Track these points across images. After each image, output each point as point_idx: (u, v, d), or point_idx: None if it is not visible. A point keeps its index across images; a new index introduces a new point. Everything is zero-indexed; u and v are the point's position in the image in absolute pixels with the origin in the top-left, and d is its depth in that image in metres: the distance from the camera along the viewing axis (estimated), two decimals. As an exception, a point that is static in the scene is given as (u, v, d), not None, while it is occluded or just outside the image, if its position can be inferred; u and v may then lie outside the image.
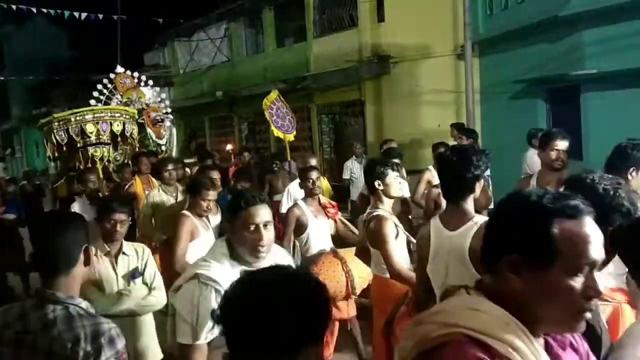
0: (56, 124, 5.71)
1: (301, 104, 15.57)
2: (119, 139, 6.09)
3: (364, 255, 4.12)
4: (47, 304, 1.94)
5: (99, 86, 6.09)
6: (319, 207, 4.94)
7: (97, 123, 5.78)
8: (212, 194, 4.57)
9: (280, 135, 7.62)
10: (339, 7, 14.20)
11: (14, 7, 10.61)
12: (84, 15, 12.12)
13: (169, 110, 7.91)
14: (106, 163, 6.08)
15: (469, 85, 10.75)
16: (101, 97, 6.25)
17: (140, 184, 6.88)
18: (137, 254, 3.75)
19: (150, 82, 6.29)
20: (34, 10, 10.97)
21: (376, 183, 3.70)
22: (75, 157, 5.97)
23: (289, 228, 4.86)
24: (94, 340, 1.89)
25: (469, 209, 2.88)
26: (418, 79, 12.27)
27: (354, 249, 4.52)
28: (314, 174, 5.00)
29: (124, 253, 3.70)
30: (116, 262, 3.65)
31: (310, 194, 4.96)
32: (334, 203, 5.10)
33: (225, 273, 2.30)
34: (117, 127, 5.93)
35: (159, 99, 6.94)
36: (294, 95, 15.12)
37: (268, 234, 2.41)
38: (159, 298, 3.66)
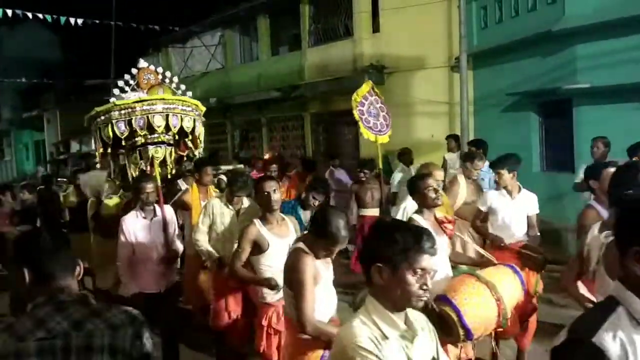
0: (117, 112, 4.65)
1: (295, 112, 15.64)
2: (190, 137, 5.07)
3: (572, 286, 3.34)
4: (68, 305, 1.98)
5: (120, 82, 5.02)
6: (436, 223, 4.13)
7: (167, 116, 4.73)
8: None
9: (371, 137, 6.41)
10: (334, 17, 14.31)
11: (9, 11, 10.60)
12: (80, 21, 12.15)
13: None
14: (167, 167, 5.07)
15: (464, 97, 10.85)
16: (123, 95, 5.13)
17: (197, 194, 6.13)
18: (427, 325, 2.21)
19: (175, 79, 5.15)
20: (30, 15, 10.98)
21: None
22: (129, 157, 4.96)
23: None
24: (131, 324, 2.05)
25: None
26: (412, 90, 12.37)
27: (493, 269, 3.89)
28: (434, 182, 4.18)
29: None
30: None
31: (431, 204, 4.08)
32: (450, 218, 4.31)
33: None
34: (189, 124, 4.88)
35: None
36: (287, 103, 15.21)
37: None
38: None
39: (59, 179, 17.32)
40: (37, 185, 8.77)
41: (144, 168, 4.94)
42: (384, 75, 12.84)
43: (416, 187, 4.12)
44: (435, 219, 4.12)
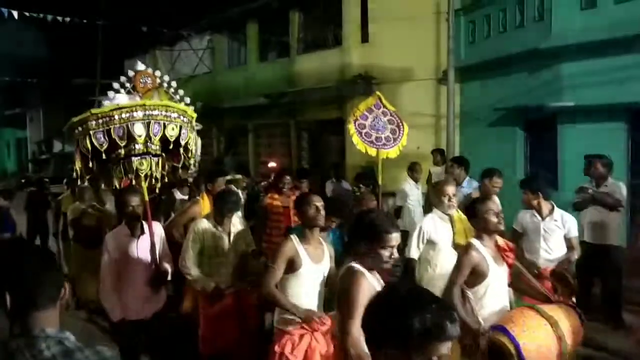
0: (93, 122, 4.16)
1: (282, 119, 15.63)
2: (171, 147, 4.52)
3: None
4: (39, 342, 1.84)
5: (115, 85, 4.53)
6: (496, 250, 3.76)
7: (149, 124, 4.23)
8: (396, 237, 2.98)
9: (371, 151, 6.13)
10: (323, 26, 14.35)
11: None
12: (67, 19, 12.02)
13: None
14: (153, 181, 4.50)
15: (450, 111, 10.90)
16: (117, 96, 4.58)
17: (209, 205, 5.71)
18: None
19: (174, 84, 4.70)
20: (15, 14, 10.83)
21: None
22: (113, 171, 4.44)
23: (459, 275, 3.67)
24: None
25: None
26: (399, 101, 12.38)
27: (554, 305, 3.62)
28: (494, 205, 3.78)
29: None
30: None
31: (492, 229, 3.75)
32: (511, 245, 3.90)
33: None
34: (173, 132, 4.35)
35: (183, 103, 4.99)
36: (274, 110, 15.20)
37: None
38: None
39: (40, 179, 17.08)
40: (12, 190, 8.28)
41: (130, 182, 4.48)
42: (372, 85, 12.87)
43: (476, 211, 3.76)
44: (496, 245, 3.77)
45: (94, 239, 6.54)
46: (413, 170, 8.49)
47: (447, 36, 10.91)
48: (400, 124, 6.55)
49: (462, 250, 3.77)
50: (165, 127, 4.30)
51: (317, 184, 11.81)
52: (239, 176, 8.46)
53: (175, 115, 4.41)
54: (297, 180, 7.72)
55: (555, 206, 5.11)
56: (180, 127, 4.45)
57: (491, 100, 10.60)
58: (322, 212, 3.82)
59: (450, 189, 4.82)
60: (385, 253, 2.90)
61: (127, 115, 4.18)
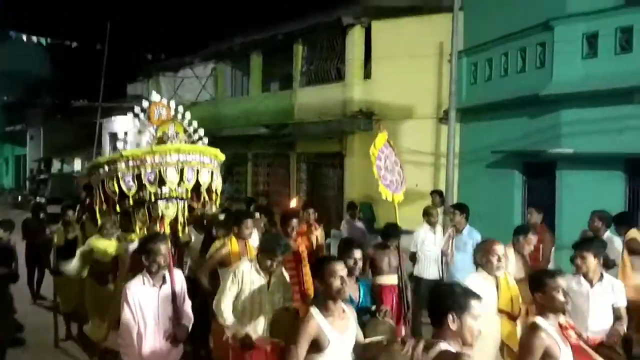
0: (123, 164, 4.02)
1: (281, 151, 15.68)
2: (202, 193, 4.34)
3: None
4: None
5: (129, 115, 4.42)
6: (560, 329, 3.39)
7: (182, 169, 4.10)
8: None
9: (389, 196, 5.75)
10: (326, 60, 14.51)
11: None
12: (74, 44, 12.18)
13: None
14: (179, 227, 4.32)
15: (451, 152, 10.95)
16: (136, 122, 4.39)
17: (237, 248, 5.44)
18: None
19: (188, 116, 4.52)
20: (24, 37, 10.96)
21: None
22: (134, 213, 4.22)
23: None
24: None
25: None
26: (399, 138, 12.45)
27: None
28: (564, 282, 3.45)
29: None
30: None
31: (559, 308, 3.39)
32: (572, 323, 3.56)
33: None
34: (206, 178, 4.23)
35: (197, 137, 4.64)
36: (274, 141, 15.26)
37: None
38: None
39: (37, 199, 17.06)
40: (12, 220, 7.92)
41: (153, 227, 4.22)
42: (372, 121, 12.96)
43: (543, 285, 3.42)
44: (559, 324, 3.43)
45: (108, 275, 6.38)
46: (429, 215, 8.08)
47: (450, 78, 11.01)
48: (402, 165, 6.23)
49: (528, 332, 3.35)
50: (198, 172, 4.19)
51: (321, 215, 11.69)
52: (257, 216, 7.57)
53: (207, 160, 4.29)
54: (303, 211, 7.45)
55: (604, 273, 4.72)
56: (212, 173, 4.33)
57: (491, 142, 10.65)
58: (347, 282, 3.43)
59: (500, 249, 4.42)
60: (473, 323, 2.61)
61: (160, 159, 4.05)
